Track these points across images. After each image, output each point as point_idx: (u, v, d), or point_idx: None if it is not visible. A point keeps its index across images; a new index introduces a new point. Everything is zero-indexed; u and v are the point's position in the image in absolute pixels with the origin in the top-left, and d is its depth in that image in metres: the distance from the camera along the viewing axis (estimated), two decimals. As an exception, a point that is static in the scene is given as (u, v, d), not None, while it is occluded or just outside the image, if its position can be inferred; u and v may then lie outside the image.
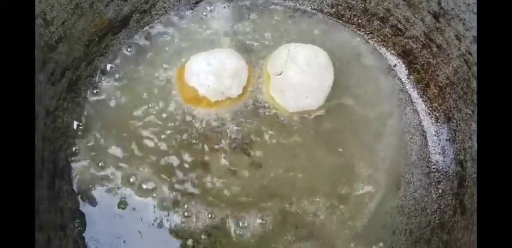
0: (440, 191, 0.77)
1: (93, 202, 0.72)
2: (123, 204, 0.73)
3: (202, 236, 0.72)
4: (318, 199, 0.75)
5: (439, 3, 0.72)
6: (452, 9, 0.70)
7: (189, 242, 0.72)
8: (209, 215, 0.73)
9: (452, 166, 0.77)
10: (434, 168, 0.79)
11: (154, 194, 0.73)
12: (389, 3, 0.78)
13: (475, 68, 0.71)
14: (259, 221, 0.73)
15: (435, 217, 0.76)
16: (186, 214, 0.73)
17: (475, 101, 0.72)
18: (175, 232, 0.72)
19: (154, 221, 0.72)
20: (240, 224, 0.73)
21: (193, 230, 0.72)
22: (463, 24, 0.70)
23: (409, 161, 0.79)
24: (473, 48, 0.70)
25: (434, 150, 0.79)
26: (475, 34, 0.69)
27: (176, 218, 0.72)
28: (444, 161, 0.78)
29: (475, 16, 0.67)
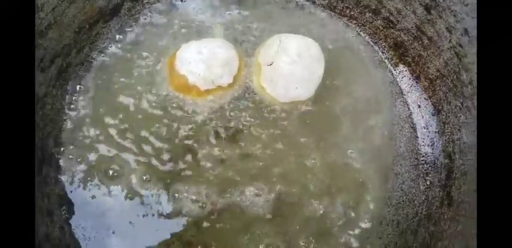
0: (428, 183, 0.78)
1: (80, 190, 0.72)
2: (112, 194, 0.72)
3: (193, 226, 0.72)
4: (305, 190, 0.75)
5: (431, -5, 0.72)
6: (444, 1, 0.70)
7: (180, 231, 0.72)
8: (199, 205, 0.73)
9: (440, 158, 0.77)
10: (422, 160, 0.79)
11: (144, 184, 0.73)
12: (381, -6, 0.78)
13: (465, 60, 0.71)
14: (248, 209, 0.73)
15: (422, 209, 0.77)
16: (176, 203, 0.72)
17: (465, 93, 0.72)
18: (167, 221, 0.72)
19: (145, 211, 0.72)
20: (229, 212, 0.73)
21: (184, 219, 0.72)
22: (454, 15, 0.70)
23: (397, 153, 0.79)
24: (464, 40, 0.70)
25: (423, 142, 0.80)
26: (466, 26, 0.69)
27: (167, 208, 0.72)
28: (433, 153, 0.79)
29: (466, 8, 0.67)
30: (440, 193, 0.75)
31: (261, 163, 0.75)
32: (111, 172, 0.73)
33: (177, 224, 0.72)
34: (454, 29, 0.71)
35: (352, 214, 0.75)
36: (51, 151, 0.72)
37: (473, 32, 0.68)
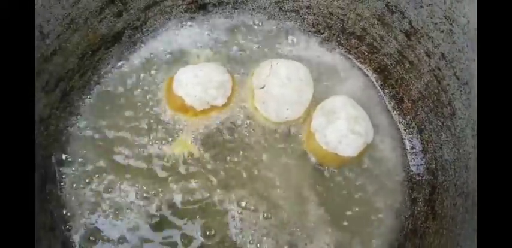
0: (413, 198, 0.81)
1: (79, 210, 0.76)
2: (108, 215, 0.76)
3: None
4: (297, 211, 0.79)
5: (410, 23, 0.77)
6: (422, 27, 0.76)
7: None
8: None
9: (425, 175, 0.81)
10: (408, 177, 0.83)
11: (140, 204, 0.77)
12: (365, 22, 0.84)
13: (443, 82, 0.76)
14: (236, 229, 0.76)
15: (409, 223, 0.80)
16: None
17: (444, 113, 0.77)
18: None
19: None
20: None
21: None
22: (432, 41, 0.76)
23: (384, 171, 0.83)
24: (442, 63, 0.75)
25: (408, 159, 0.84)
26: (443, 51, 0.74)
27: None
28: (417, 170, 0.83)
29: (442, 34, 0.73)
30: (425, 208, 0.79)
31: (249, 178, 0.80)
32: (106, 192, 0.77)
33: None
34: (432, 54, 0.77)
35: (340, 228, 0.79)
36: (54, 170, 0.76)
37: (450, 56, 0.73)
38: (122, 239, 0.74)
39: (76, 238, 0.74)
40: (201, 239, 0.75)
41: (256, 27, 0.89)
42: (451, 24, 0.71)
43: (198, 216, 0.76)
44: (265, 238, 0.76)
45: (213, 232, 0.76)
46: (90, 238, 0.74)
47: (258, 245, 0.76)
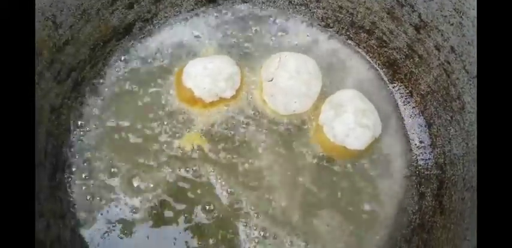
0: (421, 193, 0.81)
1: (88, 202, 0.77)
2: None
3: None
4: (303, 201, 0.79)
5: (420, 16, 0.77)
6: (432, 21, 0.76)
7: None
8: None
9: (432, 170, 0.81)
10: (416, 171, 0.83)
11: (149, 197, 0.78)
12: (374, 16, 0.84)
13: (453, 76, 0.76)
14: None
15: (416, 218, 0.80)
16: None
17: (453, 107, 0.77)
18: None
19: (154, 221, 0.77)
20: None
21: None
22: (441, 35, 0.75)
23: (392, 165, 0.83)
24: (451, 57, 0.75)
25: (416, 154, 0.84)
26: (453, 44, 0.74)
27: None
28: (425, 164, 0.82)
29: (451, 27, 0.73)
30: (433, 202, 0.79)
31: (256, 169, 0.80)
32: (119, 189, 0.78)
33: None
34: (442, 47, 0.76)
35: (347, 225, 0.79)
36: (64, 159, 0.77)
37: (459, 49, 0.73)
38: (127, 228, 0.76)
39: (84, 225, 0.75)
40: (202, 214, 0.77)
41: (265, 20, 0.89)
42: (461, 16, 0.71)
43: (200, 199, 0.78)
44: (263, 217, 0.77)
45: (212, 207, 0.77)
46: (92, 219, 0.76)
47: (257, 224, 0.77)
